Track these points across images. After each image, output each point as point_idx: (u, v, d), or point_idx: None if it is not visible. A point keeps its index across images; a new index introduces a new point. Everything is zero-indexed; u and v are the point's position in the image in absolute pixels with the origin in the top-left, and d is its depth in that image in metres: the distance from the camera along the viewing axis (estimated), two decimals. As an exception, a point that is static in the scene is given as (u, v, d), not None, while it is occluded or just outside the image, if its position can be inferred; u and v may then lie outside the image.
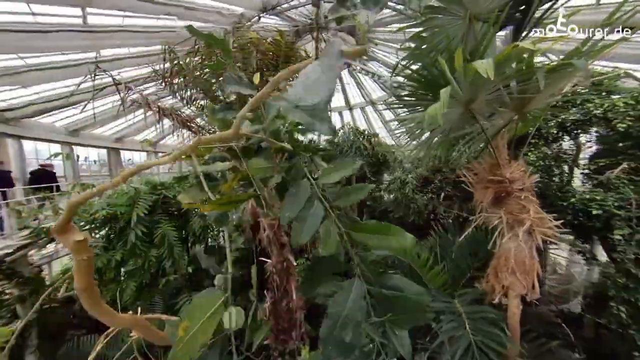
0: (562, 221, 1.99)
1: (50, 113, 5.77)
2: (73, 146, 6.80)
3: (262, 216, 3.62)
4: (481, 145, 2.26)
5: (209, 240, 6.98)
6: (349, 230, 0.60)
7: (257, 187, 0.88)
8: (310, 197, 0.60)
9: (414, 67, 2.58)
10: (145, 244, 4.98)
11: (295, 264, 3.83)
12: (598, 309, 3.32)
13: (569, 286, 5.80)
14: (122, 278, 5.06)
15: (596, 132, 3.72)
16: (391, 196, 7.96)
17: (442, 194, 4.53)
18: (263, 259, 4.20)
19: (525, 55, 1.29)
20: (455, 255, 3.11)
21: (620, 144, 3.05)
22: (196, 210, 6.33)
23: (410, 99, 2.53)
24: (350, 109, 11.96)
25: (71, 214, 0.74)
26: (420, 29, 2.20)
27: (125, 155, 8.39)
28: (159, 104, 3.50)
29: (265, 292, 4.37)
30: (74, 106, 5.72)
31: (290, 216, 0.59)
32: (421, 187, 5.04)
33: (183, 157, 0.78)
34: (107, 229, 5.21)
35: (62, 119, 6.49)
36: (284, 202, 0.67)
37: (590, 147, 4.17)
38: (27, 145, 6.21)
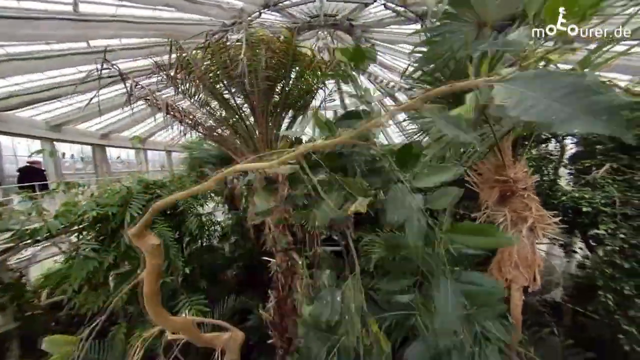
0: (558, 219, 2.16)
1: (32, 106, 5.34)
2: (55, 142, 6.33)
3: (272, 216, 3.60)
4: (486, 148, 2.37)
5: (204, 240, 6.82)
6: (448, 231, 0.64)
7: (358, 191, 0.89)
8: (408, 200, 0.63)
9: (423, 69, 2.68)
10: None
11: (300, 262, 3.86)
12: (580, 298, 3.62)
13: (551, 277, 6.24)
14: (114, 282, 4.84)
15: (579, 135, 4.03)
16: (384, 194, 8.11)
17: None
18: (267, 258, 4.18)
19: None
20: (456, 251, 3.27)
21: (600, 146, 3.33)
22: (192, 209, 6.15)
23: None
24: (345, 108, 12.08)
25: (152, 217, 0.72)
26: (434, 33, 2.28)
27: (111, 152, 7.93)
28: (159, 98, 3.34)
29: (269, 291, 4.36)
30: (58, 99, 5.32)
31: (398, 219, 0.63)
32: (419, 186, 5.19)
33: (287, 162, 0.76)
34: (96, 230, 4.96)
35: (42, 113, 6.01)
36: (386, 205, 0.70)
37: (571, 148, 4.51)
38: (3, 140, 5.70)
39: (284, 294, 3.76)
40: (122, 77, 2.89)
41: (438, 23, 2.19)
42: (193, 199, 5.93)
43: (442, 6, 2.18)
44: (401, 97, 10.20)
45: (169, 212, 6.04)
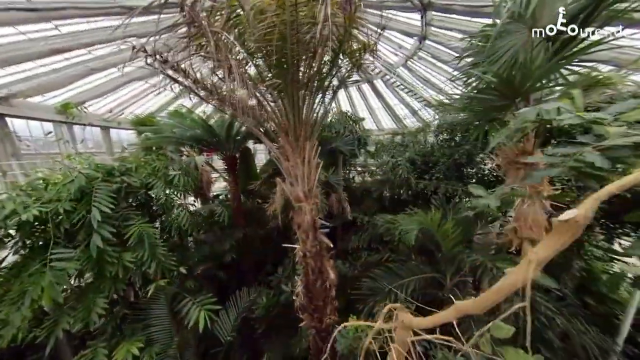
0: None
1: None
2: None
3: (299, 201, 3.41)
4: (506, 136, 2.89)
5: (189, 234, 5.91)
6: None
7: None
8: None
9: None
10: (115, 247, 3.82)
11: (331, 245, 3.91)
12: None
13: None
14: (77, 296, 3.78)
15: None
16: (371, 177, 8.73)
17: (433, 175, 5.38)
18: (289, 245, 4.02)
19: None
20: (464, 225, 3.97)
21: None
22: (172, 201, 5.18)
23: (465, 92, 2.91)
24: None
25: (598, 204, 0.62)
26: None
27: (13, 124, 5.31)
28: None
29: (295, 277, 4.28)
30: None
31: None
32: (412, 169, 5.85)
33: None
34: (35, 235, 3.65)
35: None
36: None
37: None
38: None
39: (314, 278, 3.79)
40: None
41: (498, 21, 2.45)
42: (175, 187, 4.96)
43: (503, 5, 2.43)
44: (379, 84, 10.64)
45: (136, 203, 4.93)
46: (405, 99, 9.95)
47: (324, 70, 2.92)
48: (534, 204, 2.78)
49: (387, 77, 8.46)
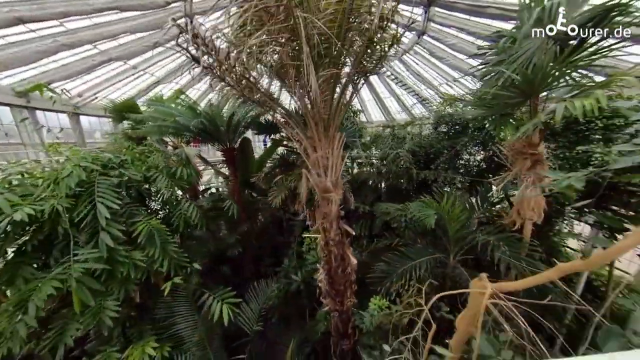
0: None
1: None
2: None
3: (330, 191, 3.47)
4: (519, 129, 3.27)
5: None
6: None
7: None
8: None
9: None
10: (123, 245, 3.55)
11: (354, 233, 4.07)
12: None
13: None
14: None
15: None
16: (371, 169, 9.01)
17: (438, 165, 5.76)
18: (311, 235, 4.08)
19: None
20: (469, 210, 4.40)
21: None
22: (174, 195, 4.87)
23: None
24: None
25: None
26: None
27: None
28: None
29: (318, 265, 4.39)
30: None
31: None
32: (414, 160, 6.21)
33: None
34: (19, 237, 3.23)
35: None
36: None
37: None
38: None
39: (336, 265, 3.95)
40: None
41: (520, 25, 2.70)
42: (179, 180, 4.64)
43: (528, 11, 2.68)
44: (373, 79, 10.77)
45: (142, 197, 4.57)
46: (396, 92, 10.29)
47: (360, 59, 2.94)
48: (536, 188, 3.23)
49: (383, 69, 8.64)
